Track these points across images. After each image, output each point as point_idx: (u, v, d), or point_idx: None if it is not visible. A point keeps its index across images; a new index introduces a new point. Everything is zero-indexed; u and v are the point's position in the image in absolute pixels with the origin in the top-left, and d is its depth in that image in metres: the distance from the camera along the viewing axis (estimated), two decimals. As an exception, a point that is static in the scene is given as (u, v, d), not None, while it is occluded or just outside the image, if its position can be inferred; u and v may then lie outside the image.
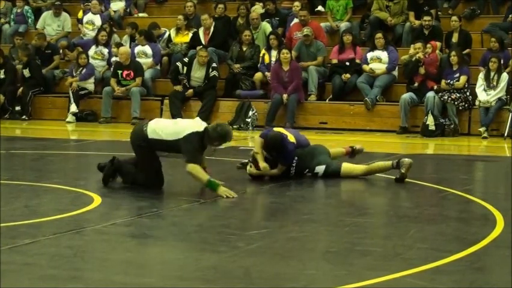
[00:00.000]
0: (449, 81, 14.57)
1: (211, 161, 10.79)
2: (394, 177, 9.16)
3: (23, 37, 18.32)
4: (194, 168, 7.99)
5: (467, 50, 15.65)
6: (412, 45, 15.20)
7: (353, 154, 10.02)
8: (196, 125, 8.21)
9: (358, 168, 9.45)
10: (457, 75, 14.61)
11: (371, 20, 16.81)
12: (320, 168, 9.27)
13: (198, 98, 16.05)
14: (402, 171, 9.10)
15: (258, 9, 17.49)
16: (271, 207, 7.80)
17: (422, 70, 14.79)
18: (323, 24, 17.02)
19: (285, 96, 15.15)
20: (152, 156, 8.40)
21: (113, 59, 17.10)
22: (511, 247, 6.08)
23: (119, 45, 17.10)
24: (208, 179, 8.03)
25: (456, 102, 14.44)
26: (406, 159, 9.22)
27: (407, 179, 9.37)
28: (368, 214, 7.73)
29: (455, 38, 15.72)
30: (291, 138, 9.27)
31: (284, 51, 15.34)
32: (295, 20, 16.83)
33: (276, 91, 15.33)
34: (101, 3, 19.25)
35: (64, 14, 18.91)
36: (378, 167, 9.51)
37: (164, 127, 8.25)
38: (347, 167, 9.41)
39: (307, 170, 9.32)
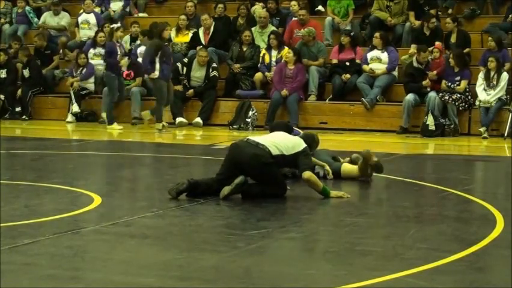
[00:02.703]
0: (450, 84, 14.57)
1: (211, 161, 10.81)
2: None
3: (20, 41, 18.34)
4: (312, 176, 8.16)
5: (467, 50, 15.63)
6: (408, 55, 15.19)
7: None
8: (299, 139, 8.43)
9: (357, 169, 9.39)
10: (458, 78, 14.60)
11: (371, 20, 16.81)
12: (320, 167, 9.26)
13: (198, 98, 16.06)
14: (370, 163, 9.12)
15: (258, 9, 17.49)
16: (271, 207, 7.80)
17: (433, 76, 14.77)
18: (327, 20, 17.05)
19: (284, 91, 15.15)
20: (279, 170, 8.35)
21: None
22: (511, 247, 6.07)
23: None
24: (324, 186, 8.19)
25: (456, 103, 14.44)
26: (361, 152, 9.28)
27: (407, 179, 9.38)
28: (368, 214, 7.72)
29: (453, 39, 15.72)
30: None
31: (288, 50, 15.37)
32: (294, 19, 16.86)
33: (276, 87, 15.35)
34: (101, 4, 19.29)
35: (63, 13, 18.96)
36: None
37: (282, 142, 8.15)
38: (346, 167, 9.38)
39: None
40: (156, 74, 14.76)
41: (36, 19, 19.44)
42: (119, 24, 16.23)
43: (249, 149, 8.05)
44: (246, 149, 8.07)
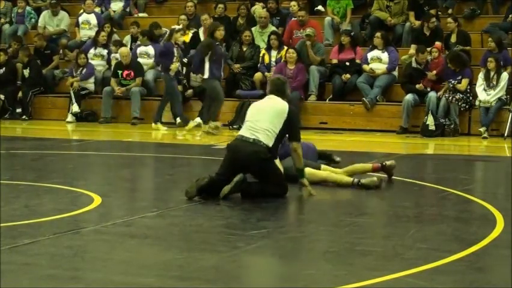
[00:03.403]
0: (451, 80, 14.56)
1: (211, 161, 10.80)
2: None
3: (20, 42, 18.32)
4: (299, 148, 8.21)
5: (467, 48, 15.64)
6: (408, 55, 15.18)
7: (382, 170, 9.27)
8: (280, 102, 8.27)
9: (319, 174, 8.95)
10: (459, 77, 14.60)
11: (371, 20, 16.81)
12: None
13: (198, 98, 16.05)
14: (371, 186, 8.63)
15: (258, 9, 17.49)
16: (271, 207, 7.80)
17: (433, 76, 14.77)
18: (327, 20, 17.06)
19: (285, 90, 15.15)
20: (279, 168, 8.36)
21: (112, 55, 17.09)
22: (511, 247, 6.08)
23: (118, 43, 17.09)
24: (303, 167, 8.25)
25: (459, 103, 14.44)
26: (367, 179, 8.72)
27: (407, 179, 9.38)
28: (368, 214, 7.73)
29: (453, 39, 15.72)
30: None
31: (290, 50, 15.41)
32: (294, 19, 16.86)
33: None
34: (101, 4, 19.29)
35: (62, 12, 18.95)
36: (337, 180, 8.90)
37: (267, 118, 8.09)
38: (308, 172, 8.78)
39: None
40: (206, 74, 14.36)
41: (34, 20, 19.38)
42: (181, 26, 15.90)
43: (247, 147, 8.06)
44: (244, 147, 8.07)
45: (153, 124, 15.30)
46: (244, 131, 8.24)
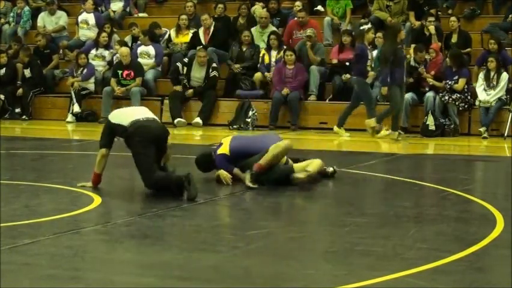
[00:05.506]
0: (448, 81, 14.56)
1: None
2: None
3: (19, 42, 18.31)
4: None
5: (467, 50, 15.64)
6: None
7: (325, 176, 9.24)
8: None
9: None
10: (456, 77, 14.60)
11: (371, 20, 16.80)
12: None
13: (198, 98, 16.05)
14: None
15: (258, 9, 17.48)
16: (271, 207, 7.79)
17: (431, 76, 14.77)
18: (326, 20, 17.05)
19: (285, 90, 15.14)
20: None
21: (116, 55, 17.07)
22: (511, 247, 6.07)
23: (122, 43, 17.07)
24: None
25: (457, 103, 14.44)
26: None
27: (407, 179, 9.38)
28: (368, 214, 7.72)
29: (454, 39, 15.73)
30: (223, 149, 9.02)
31: (288, 52, 15.40)
32: (295, 19, 16.85)
33: (276, 88, 15.37)
34: (101, 4, 19.28)
35: (60, 12, 18.94)
36: (319, 168, 9.02)
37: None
38: (297, 168, 8.83)
39: None
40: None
41: (23, 21, 19.32)
42: (369, 25, 15.08)
43: (157, 124, 8.51)
44: (156, 125, 8.44)
45: (335, 128, 14.27)
46: (142, 114, 8.49)
